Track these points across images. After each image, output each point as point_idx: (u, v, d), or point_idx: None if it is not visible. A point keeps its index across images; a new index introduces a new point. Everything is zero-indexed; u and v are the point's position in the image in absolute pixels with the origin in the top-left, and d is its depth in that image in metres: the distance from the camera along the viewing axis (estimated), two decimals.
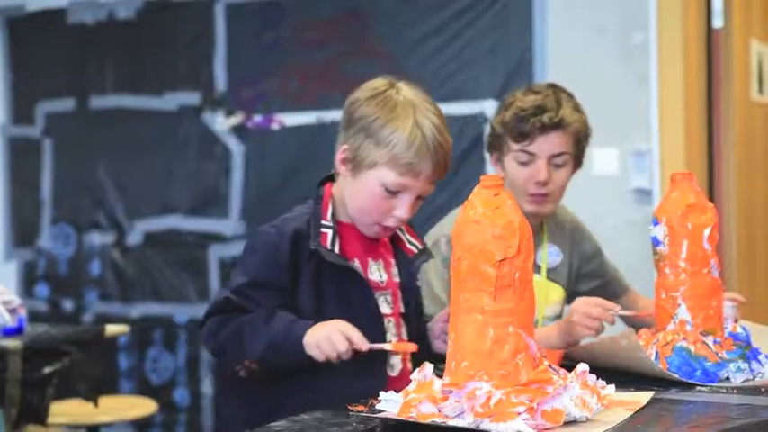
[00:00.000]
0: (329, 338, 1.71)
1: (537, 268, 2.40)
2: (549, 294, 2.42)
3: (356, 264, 1.87)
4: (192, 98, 4.45)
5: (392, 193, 1.82)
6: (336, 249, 1.84)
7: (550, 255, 2.46)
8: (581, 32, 3.72)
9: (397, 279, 1.94)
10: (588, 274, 2.53)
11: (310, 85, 4.22)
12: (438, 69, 3.92)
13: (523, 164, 2.33)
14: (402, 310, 1.93)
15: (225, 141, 4.39)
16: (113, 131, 4.64)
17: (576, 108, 2.38)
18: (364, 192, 1.84)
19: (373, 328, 1.81)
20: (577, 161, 2.42)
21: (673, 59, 3.54)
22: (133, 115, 4.58)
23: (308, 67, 4.22)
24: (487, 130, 2.51)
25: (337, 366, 1.73)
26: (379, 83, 1.87)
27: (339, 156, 1.88)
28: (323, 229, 1.85)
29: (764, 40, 4.43)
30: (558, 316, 2.45)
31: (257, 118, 4.32)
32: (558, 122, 2.31)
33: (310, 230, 1.84)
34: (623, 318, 2.40)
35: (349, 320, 1.75)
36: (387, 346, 1.79)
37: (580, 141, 2.39)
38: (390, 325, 1.90)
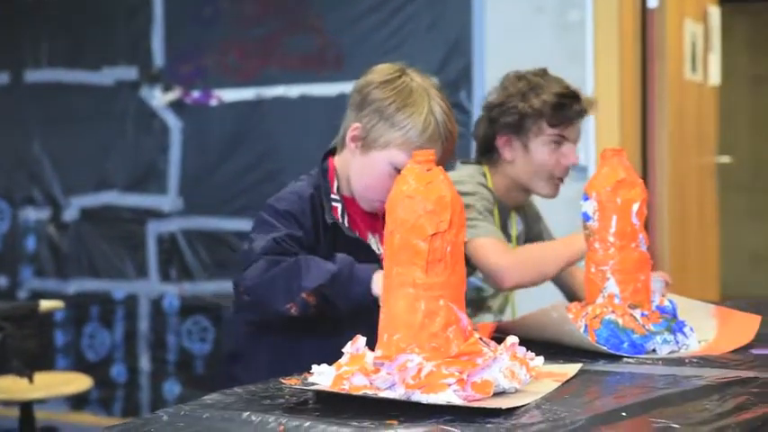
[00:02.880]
0: None
1: (509, 237, 2.54)
2: None
3: (371, 239, 1.97)
4: (129, 73, 4.41)
5: (400, 172, 1.87)
6: (346, 222, 1.95)
7: (517, 224, 2.59)
8: (519, 10, 3.74)
9: None
10: (534, 239, 2.60)
11: (249, 61, 4.21)
12: (377, 45, 3.92)
13: (555, 147, 2.43)
14: None
15: (163, 117, 4.36)
16: (49, 106, 4.58)
17: (592, 98, 2.53)
18: (374, 170, 1.93)
19: None
20: None
21: (608, 38, 3.58)
22: (69, 90, 4.53)
23: (247, 42, 4.21)
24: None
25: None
26: (390, 68, 1.97)
27: (350, 133, 1.95)
28: (333, 203, 1.95)
29: (698, 20, 4.50)
30: None
31: (195, 93, 4.30)
32: (587, 110, 2.47)
33: (317, 203, 1.93)
34: None
35: None
36: None
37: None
38: None
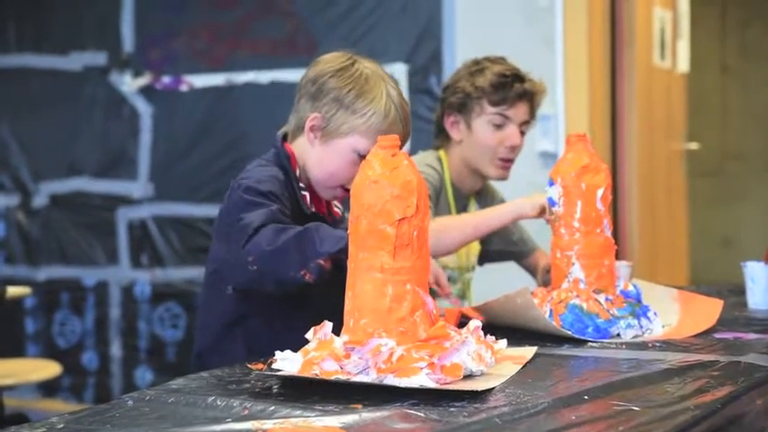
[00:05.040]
0: None
1: None
2: (473, 247, 2.58)
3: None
4: (98, 58, 4.38)
5: (364, 158, 1.84)
6: (313, 210, 1.95)
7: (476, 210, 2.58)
8: None
9: None
10: (497, 233, 2.58)
11: (220, 46, 4.19)
12: (347, 32, 3.92)
13: (497, 127, 2.45)
14: None
15: (133, 102, 4.34)
16: (17, 91, 4.55)
17: (539, 82, 2.52)
18: (336, 158, 1.93)
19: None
20: None
21: (577, 23, 3.59)
22: (38, 75, 4.50)
23: (217, 27, 4.19)
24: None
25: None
26: (341, 56, 1.97)
27: (309, 123, 1.95)
28: (302, 192, 1.95)
29: (667, 7, 4.52)
30: (473, 267, 2.62)
31: (166, 79, 4.28)
32: (532, 92, 2.47)
33: (289, 190, 1.91)
34: None
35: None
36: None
37: (534, 114, 2.53)
38: None
